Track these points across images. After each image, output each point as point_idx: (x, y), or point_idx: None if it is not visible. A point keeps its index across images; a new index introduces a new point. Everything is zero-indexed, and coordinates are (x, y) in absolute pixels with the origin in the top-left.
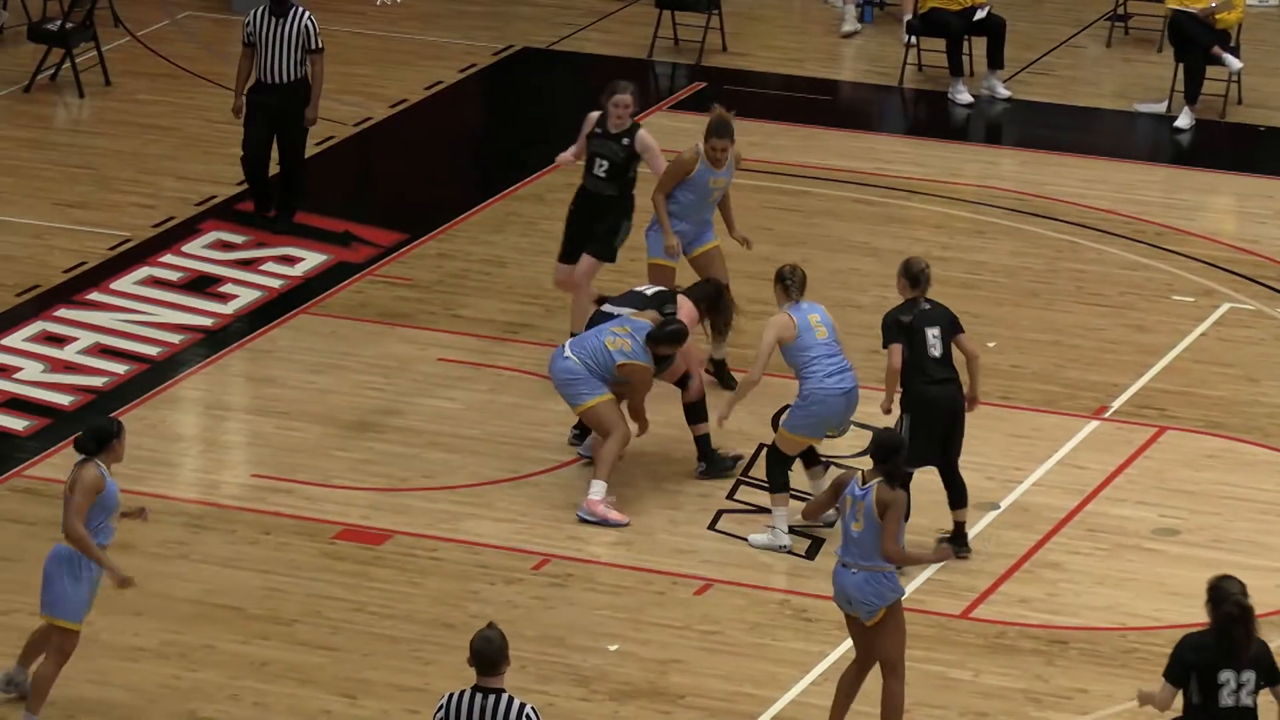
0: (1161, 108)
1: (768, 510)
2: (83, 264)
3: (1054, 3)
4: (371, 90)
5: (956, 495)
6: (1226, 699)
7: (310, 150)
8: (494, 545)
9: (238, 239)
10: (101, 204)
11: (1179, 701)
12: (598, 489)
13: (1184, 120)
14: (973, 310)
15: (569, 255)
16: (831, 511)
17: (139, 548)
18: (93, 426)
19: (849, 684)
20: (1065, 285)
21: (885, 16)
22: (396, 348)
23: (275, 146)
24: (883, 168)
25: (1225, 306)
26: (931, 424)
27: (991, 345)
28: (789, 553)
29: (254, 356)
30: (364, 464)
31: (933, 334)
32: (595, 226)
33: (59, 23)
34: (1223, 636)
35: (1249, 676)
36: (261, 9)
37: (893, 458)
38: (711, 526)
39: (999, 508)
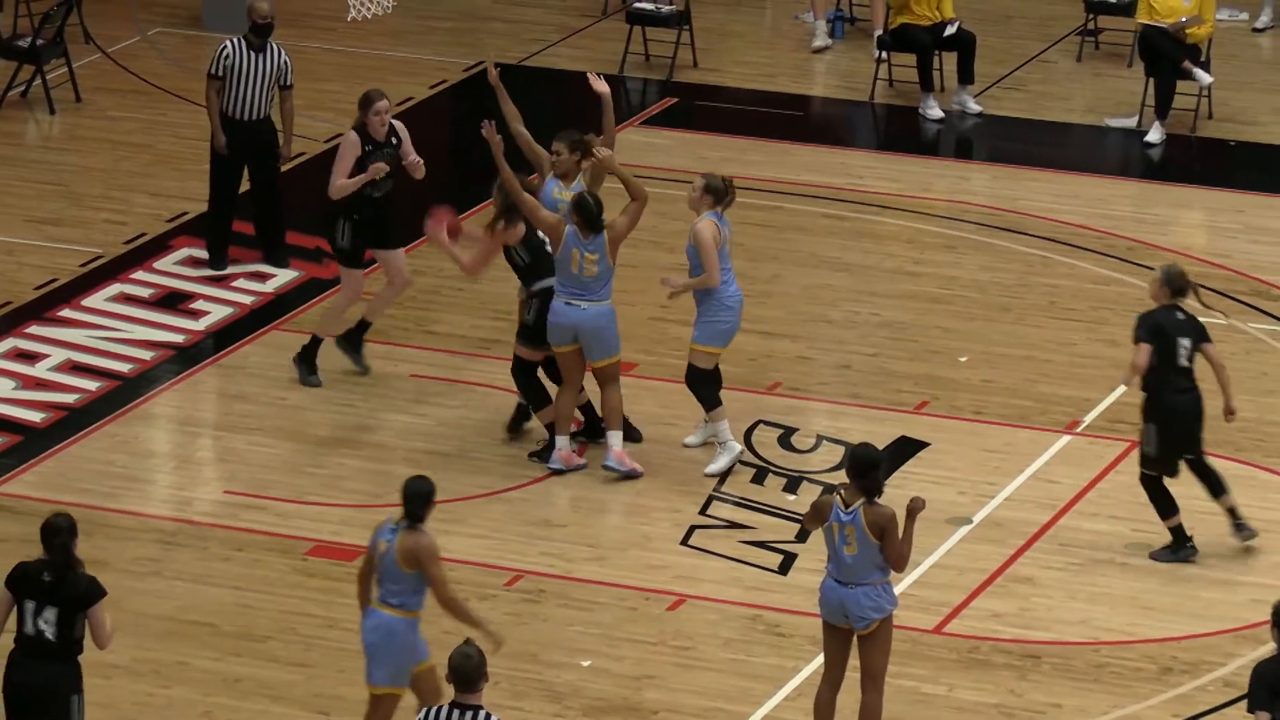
0: (1132, 122)
1: (742, 526)
2: (54, 280)
3: (1024, 18)
4: (342, 106)
5: (1214, 484)
6: None
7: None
8: (467, 561)
9: (209, 255)
10: (73, 220)
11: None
12: (616, 438)
13: (1155, 135)
14: (944, 325)
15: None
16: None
17: (111, 564)
18: (415, 491)
19: (826, 705)
20: (1037, 300)
21: (856, 32)
22: (368, 363)
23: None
24: (854, 183)
25: None
26: (1178, 432)
27: (963, 360)
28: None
29: (226, 373)
30: (336, 480)
31: (1184, 344)
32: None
33: (29, 39)
34: None
35: None
36: (237, 41)
37: (871, 473)
38: (684, 542)
39: (971, 522)
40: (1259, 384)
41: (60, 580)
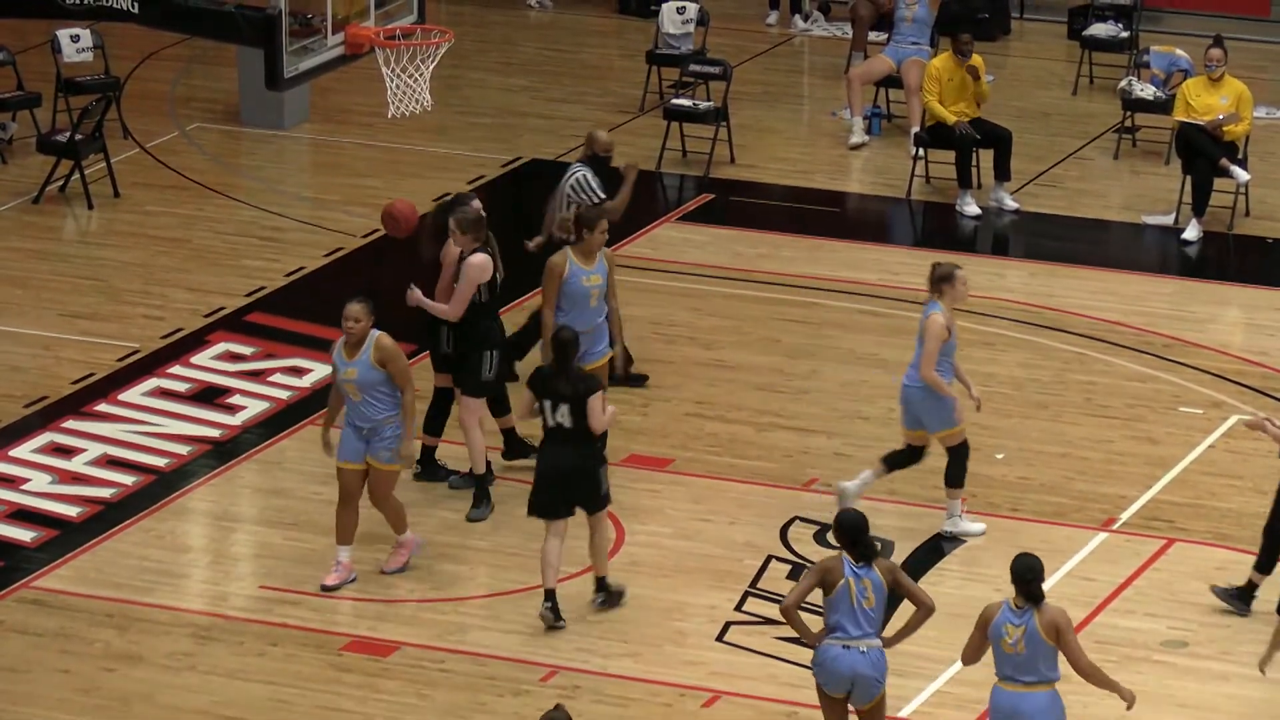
0: (1169, 220)
1: (778, 622)
2: (91, 375)
3: (1061, 115)
4: (379, 201)
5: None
6: None
7: (319, 261)
8: (502, 657)
9: (246, 350)
10: (110, 315)
11: None
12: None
13: (1192, 232)
14: (981, 422)
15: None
16: None
17: (146, 659)
18: (1026, 567)
19: None
20: (1074, 397)
21: (893, 129)
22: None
23: None
24: (891, 279)
25: (1234, 419)
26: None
27: (1000, 457)
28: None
29: (262, 468)
30: (372, 575)
31: None
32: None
33: (68, 134)
34: None
35: None
36: (584, 165)
37: (861, 537)
38: (720, 638)
39: None
40: None
41: (567, 379)
